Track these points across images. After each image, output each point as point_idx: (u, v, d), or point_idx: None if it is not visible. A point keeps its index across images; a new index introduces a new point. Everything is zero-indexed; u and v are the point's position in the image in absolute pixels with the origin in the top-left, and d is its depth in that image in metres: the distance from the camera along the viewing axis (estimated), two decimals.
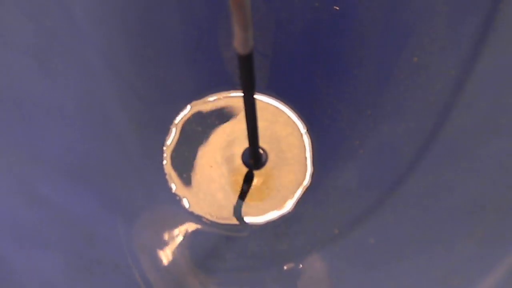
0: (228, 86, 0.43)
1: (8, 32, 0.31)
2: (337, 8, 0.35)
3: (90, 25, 0.36)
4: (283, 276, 0.33)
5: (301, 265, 0.32)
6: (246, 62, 0.24)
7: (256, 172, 0.40)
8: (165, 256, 0.35)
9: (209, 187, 0.39)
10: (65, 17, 0.35)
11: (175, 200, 0.38)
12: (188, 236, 0.37)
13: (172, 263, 0.35)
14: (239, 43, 0.23)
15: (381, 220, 0.29)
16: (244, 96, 0.28)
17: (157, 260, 0.34)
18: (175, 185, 0.39)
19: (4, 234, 0.27)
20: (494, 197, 0.24)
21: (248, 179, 0.40)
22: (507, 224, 0.22)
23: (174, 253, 0.35)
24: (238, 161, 0.40)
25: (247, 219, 0.38)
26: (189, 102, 0.43)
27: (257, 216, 0.38)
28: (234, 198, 0.39)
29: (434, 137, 0.30)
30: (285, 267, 0.33)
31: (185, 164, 0.40)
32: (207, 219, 0.38)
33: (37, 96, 0.33)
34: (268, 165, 0.40)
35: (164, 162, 0.40)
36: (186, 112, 0.42)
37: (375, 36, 0.35)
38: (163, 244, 0.35)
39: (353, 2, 0.35)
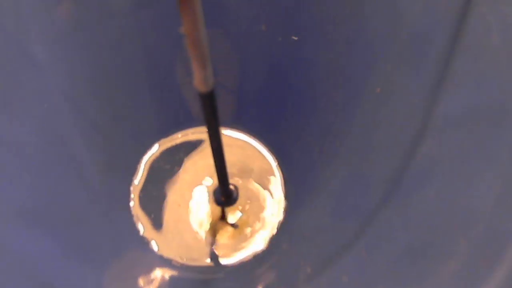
0: (195, 122, 0.42)
1: None
2: (295, 38, 0.35)
3: (51, 64, 0.35)
4: None
5: None
6: (208, 100, 0.24)
7: (227, 210, 0.38)
8: None
9: (178, 227, 0.38)
10: (24, 55, 0.34)
11: (143, 243, 0.37)
12: (158, 281, 0.35)
13: None
14: (198, 81, 0.22)
15: (354, 255, 0.29)
16: (209, 134, 0.27)
17: None
18: (143, 227, 0.38)
19: None
20: (469, 227, 0.23)
21: (219, 218, 0.38)
22: (486, 255, 0.21)
23: None
24: (209, 199, 0.39)
25: (220, 260, 0.37)
26: (156, 140, 0.42)
27: (229, 256, 0.37)
28: (204, 238, 0.37)
29: (405, 166, 0.30)
30: None
31: (153, 204, 0.39)
32: (177, 262, 0.36)
33: None
34: (239, 201, 0.39)
35: (132, 203, 0.39)
36: (154, 150, 0.41)
37: (339, 68, 0.35)
38: None
39: (316, 35, 0.36)
